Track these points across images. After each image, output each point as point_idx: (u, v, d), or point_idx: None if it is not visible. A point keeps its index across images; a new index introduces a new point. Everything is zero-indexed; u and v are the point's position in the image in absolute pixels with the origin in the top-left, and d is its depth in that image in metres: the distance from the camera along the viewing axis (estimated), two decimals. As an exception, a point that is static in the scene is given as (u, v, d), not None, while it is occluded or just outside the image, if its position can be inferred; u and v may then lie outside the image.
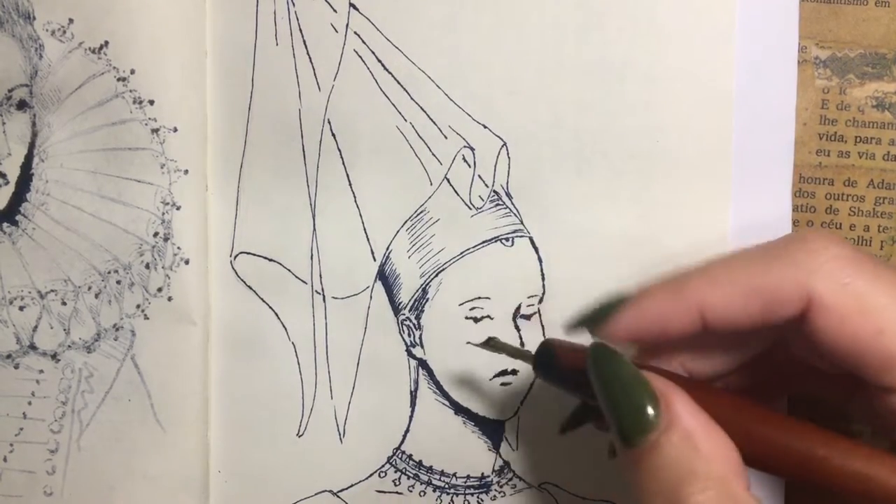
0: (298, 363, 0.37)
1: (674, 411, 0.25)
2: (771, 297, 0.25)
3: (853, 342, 0.24)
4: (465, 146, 0.36)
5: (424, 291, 0.36)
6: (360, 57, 0.36)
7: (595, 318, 0.28)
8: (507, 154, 0.36)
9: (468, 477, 0.37)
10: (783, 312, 0.25)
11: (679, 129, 0.35)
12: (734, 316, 0.26)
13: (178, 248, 0.36)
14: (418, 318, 0.37)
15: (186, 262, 0.36)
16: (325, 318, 0.37)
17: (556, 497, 0.37)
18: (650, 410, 0.25)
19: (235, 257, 0.37)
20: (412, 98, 0.36)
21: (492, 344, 0.32)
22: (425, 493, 0.37)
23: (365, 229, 0.37)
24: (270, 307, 0.37)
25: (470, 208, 0.36)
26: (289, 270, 0.37)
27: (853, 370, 0.25)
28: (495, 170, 0.36)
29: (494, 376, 0.37)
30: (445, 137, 0.36)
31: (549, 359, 0.29)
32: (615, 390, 0.26)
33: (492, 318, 0.36)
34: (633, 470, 0.25)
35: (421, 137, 0.36)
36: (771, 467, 0.26)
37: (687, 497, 0.24)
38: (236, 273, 0.37)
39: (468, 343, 0.36)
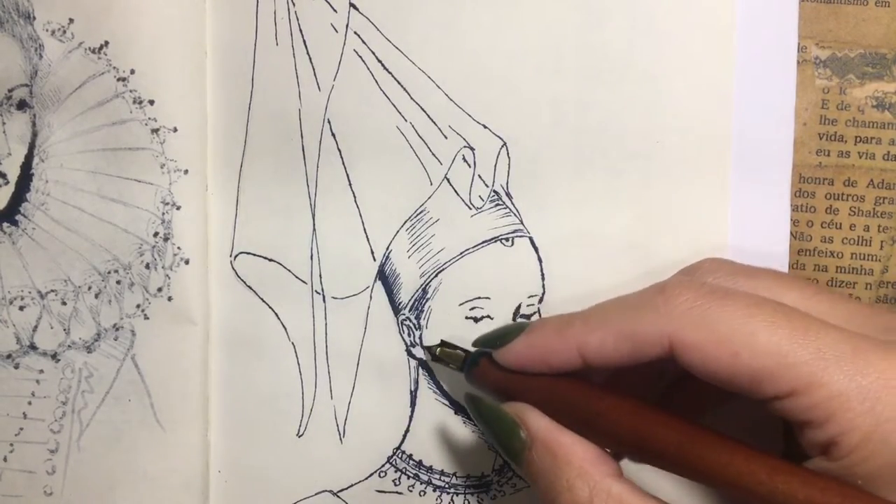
0: (298, 363, 0.37)
1: (531, 430, 0.30)
2: (638, 341, 0.28)
3: (718, 369, 0.27)
4: (465, 146, 0.36)
5: (424, 291, 0.36)
6: (360, 57, 0.36)
7: (493, 342, 0.32)
8: (507, 154, 0.36)
9: (468, 477, 0.37)
10: (651, 353, 0.28)
11: (679, 129, 0.35)
12: (608, 357, 0.29)
13: (178, 248, 0.36)
14: (418, 318, 0.37)
15: (186, 262, 0.36)
16: (325, 318, 0.37)
17: (556, 497, 0.37)
18: (520, 434, 0.30)
19: (235, 257, 0.37)
20: (412, 98, 0.36)
21: (437, 354, 0.34)
22: (425, 492, 0.37)
23: (365, 229, 0.37)
24: (270, 307, 0.37)
25: (470, 208, 0.36)
26: (289, 270, 0.37)
27: (735, 391, 0.27)
28: (495, 170, 0.36)
29: (494, 376, 0.37)
30: (445, 137, 0.36)
31: (472, 369, 0.33)
32: (488, 425, 0.31)
33: (492, 318, 0.36)
34: (528, 482, 0.30)
35: (421, 137, 0.36)
36: (650, 458, 0.29)
37: (558, 496, 0.29)
38: (236, 273, 0.37)
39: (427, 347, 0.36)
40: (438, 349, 0.34)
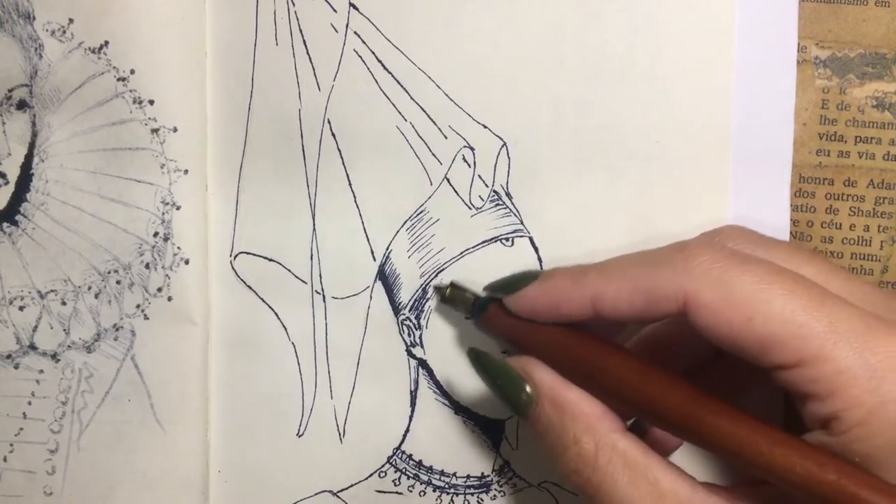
0: (298, 363, 0.37)
1: (537, 384, 0.30)
2: (653, 296, 0.28)
3: (729, 332, 0.27)
4: (465, 146, 0.36)
5: (424, 291, 0.36)
6: (360, 57, 0.36)
7: (505, 288, 0.32)
8: (507, 154, 0.36)
9: (468, 477, 0.37)
10: (664, 309, 0.28)
11: (679, 129, 0.35)
12: (621, 310, 0.29)
13: (178, 248, 0.36)
14: (418, 318, 0.37)
15: (186, 262, 0.36)
16: (325, 318, 0.37)
17: (555, 496, 0.37)
18: (526, 388, 0.30)
19: (235, 257, 0.37)
20: (412, 98, 0.36)
21: (447, 295, 0.35)
22: (425, 492, 0.37)
23: (365, 229, 0.37)
24: (270, 307, 0.37)
25: (470, 208, 0.36)
26: (289, 270, 0.37)
27: (741, 356, 0.27)
28: (495, 170, 0.36)
29: (494, 376, 0.37)
30: (445, 137, 0.36)
31: (481, 314, 0.33)
32: (493, 379, 0.32)
33: (492, 318, 0.36)
34: (534, 436, 0.31)
35: (421, 137, 0.36)
36: (653, 419, 0.29)
37: (564, 450, 0.29)
38: (236, 273, 0.37)
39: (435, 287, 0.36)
40: (448, 290, 0.35)
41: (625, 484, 0.28)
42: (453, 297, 0.34)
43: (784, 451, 0.26)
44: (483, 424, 0.37)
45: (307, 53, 0.36)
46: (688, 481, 0.28)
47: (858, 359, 0.25)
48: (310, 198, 0.37)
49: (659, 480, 0.28)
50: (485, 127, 0.36)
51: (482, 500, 0.37)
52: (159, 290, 0.36)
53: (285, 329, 0.37)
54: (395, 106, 0.36)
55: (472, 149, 0.36)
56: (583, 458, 0.29)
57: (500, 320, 0.32)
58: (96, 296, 0.37)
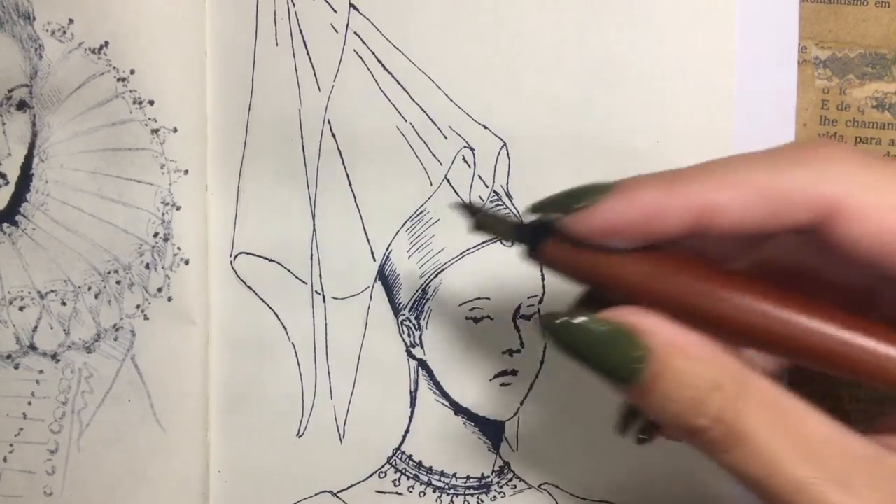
0: (298, 363, 0.37)
1: (657, 335, 0.23)
2: (782, 202, 0.23)
3: (882, 243, 0.22)
4: (465, 146, 0.36)
5: (424, 292, 0.36)
6: (360, 57, 0.36)
7: (563, 205, 0.25)
8: (507, 154, 0.36)
9: (468, 477, 0.37)
10: (794, 219, 0.23)
11: (679, 128, 0.35)
12: (740, 219, 0.23)
13: (178, 248, 0.36)
14: (418, 318, 0.37)
15: (186, 263, 0.36)
16: (325, 318, 0.37)
17: (555, 497, 0.37)
18: (641, 351, 0.23)
19: (235, 257, 0.37)
20: (412, 98, 0.36)
21: (480, 221, 0.26)
22: (425, 493, 0.37)
23: (365, 229, 0.37)
24: (270, 307, 0.37)
25: (470, 208, 0.36)
26: (289, 270, 0.37)
27: (883, 271, 0.23)
28: (495, 170, 0.36)
29: (494, 377, 0.37)
30: (445, 137, 0.36)
31: (538, 245, 0.25)
32: (594, 354, 0.24)
33: (492, 319, 0.36)
34: (652, 403, 0.24)
35: (421, 138, 0.36)
36: (799, 357, 0.24)
37: (702, 404, 0.23)
38: (236, 273, 0.37)
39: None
40: (479, 217, 0.26)
41: (768, 428, 0.23)
42: (489, 224, 0.26)
43: None
44: (483, 424, 0.37)
45: (307, 54, 0.36)
46: (835, 424, 0.24)
47: None
48: (310, 198, 0.37)
49: (804, 421, 0.23)
50: (485, 127, 0.36)
51: (482, 500, 0.37)
52: (159, 290, 0.36)
53: (285, 329, 0.37)
54: (395, 106, 0.36)
55: (472, 149, 0.36)
56: (726, 404, 0.23)
57: (565, 251, 0.24)
58: (96, 296, 0.37)
